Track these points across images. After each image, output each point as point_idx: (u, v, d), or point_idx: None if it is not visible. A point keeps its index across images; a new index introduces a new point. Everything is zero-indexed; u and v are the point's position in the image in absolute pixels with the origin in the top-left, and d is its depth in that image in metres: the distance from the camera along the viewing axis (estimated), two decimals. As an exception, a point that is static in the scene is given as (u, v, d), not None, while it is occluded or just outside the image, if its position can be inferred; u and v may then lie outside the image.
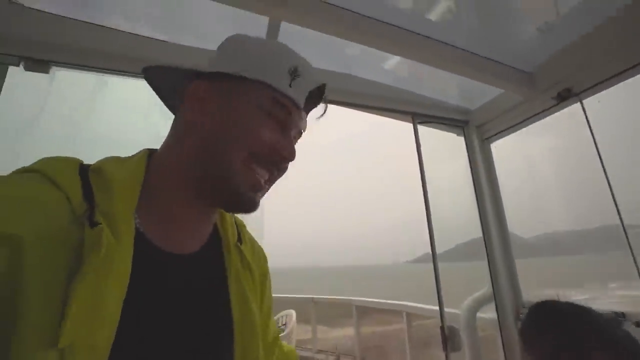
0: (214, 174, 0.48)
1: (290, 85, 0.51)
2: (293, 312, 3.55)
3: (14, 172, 0.40)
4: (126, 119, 1.22)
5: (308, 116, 0.59)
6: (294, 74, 0.51)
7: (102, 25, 1.32)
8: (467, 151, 1.89)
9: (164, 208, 0.48)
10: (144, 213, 0.45)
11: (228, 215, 0.61)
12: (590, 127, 1.35)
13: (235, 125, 0.49)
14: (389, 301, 3.71)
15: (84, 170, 0.42)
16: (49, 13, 1.28)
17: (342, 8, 1.23)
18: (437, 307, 1.63)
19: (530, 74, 1.52)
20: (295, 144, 0.55)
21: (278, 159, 0.51)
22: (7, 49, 1.14)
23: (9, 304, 0.31)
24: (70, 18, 1.30)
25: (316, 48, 1.58)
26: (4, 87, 1.13)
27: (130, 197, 0.43)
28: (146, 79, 0.56)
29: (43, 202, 0.36)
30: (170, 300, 0.45)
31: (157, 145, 0.54)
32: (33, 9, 1.27)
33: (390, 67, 1.77)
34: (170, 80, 0.55)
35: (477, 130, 1.86)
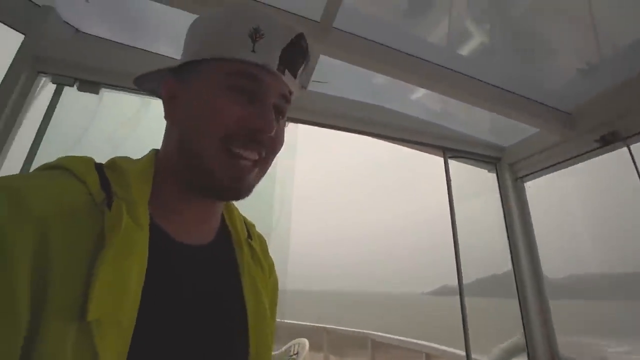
0: (193, 166, 0.47)
1: (253, 50, 0.46)
2: (306, 342, 3.45)
3: (38, 168, 0.43)
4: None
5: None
6: (255, 35, 0.46)
7: (147, 50, 1.41)
8: (499, 188, 1.83)
9: (168, 203, 0.48)
10: (154, 206, 0.45)
11: (236, 211, 0.61)
12: (638, 170, 1.28)
13: (201, 112, 0.46)
14: (408, 339, 3.53)
15: (98, 166, 0.45)
16: (102, 38, 1.38)
17: (373, 41, 1.25)
18: (460, 352, 1.53)
19: (570, 114, 1.47)
20: (283, 113, 0.51)
21: (254, 134, 0.46)
22: (65, 71, 1.24)
23: (41, 279, 0.33)
24: (120, 43, 1.41)
25: (344, 78, 1.61)
26: (58, 105, 1.22)
27: (143, 187, 0.45)
28: (140, 88, 0.57)
29: (66, 191, 0.38)
30: (185, 287, 0.45)
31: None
32: (89, 34, 1.38)
33: (419, 99, 1.78)
34: (155, 85, 0.55)
35: (510, 168, 1.80)
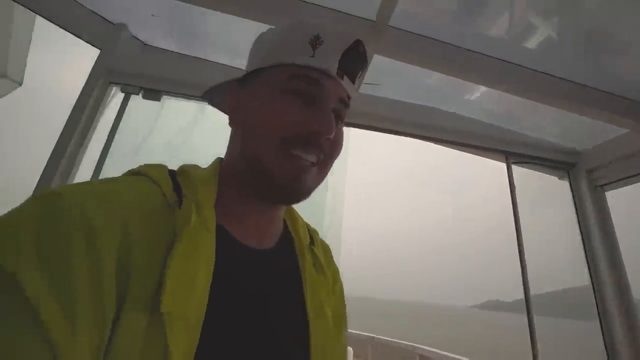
0: (254, 168, 0.49)
1: (313, 55, 0.48)
2: (350, 350, 3.37)
3: (124, 174, 0.48)
4: (222, 144, 1.31)
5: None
6: (314, 42, 0.48)
7: (207, 60, 1.47)
8: (574, 198, 1.62)
9: (232, 207, 0.50)
10: (219, 210, 0.47)
11: (300, 218, 0.61)
12: None
13: (262, 116, 0.49)
14: (458, 357, 3.30)
15: (171, 172, 0.49)
16: (165, 50, 1.47)
17: (430, 38, 1.17)
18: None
19: (669, 112, 1.26)
20: (342, 116, 0.52)
21: (312, 137, 0.47)
22: (132, 80, 1.33)
23: (124, 272, 0.35)
24: (180, 53, 1.49)
25: (395, 79, 1.54)
26: (125, 112, 1.31)
27: (209, 191, 0.48)
28: (209, 102, 0.61)
29: (144, 194, 0.42)
30: (250, 290, 0.46)
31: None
32: (152, 46, 1.47)
33: (477, 99, 1.64)
34: (222, 97, 0.58)
35: (588, 176, 1.59)
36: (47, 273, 0.30)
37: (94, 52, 1.37)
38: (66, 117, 1.23)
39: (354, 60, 0.51)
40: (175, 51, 1.49)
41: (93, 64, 1.33)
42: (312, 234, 0.63)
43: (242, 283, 0.46)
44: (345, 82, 0.51)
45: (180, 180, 0.47)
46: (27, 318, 0.29)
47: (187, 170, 0.49)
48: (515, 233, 1.55)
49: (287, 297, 0.51)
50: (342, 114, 0.52)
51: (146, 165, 0.48)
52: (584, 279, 1.58)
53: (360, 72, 0.54)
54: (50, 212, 0.33)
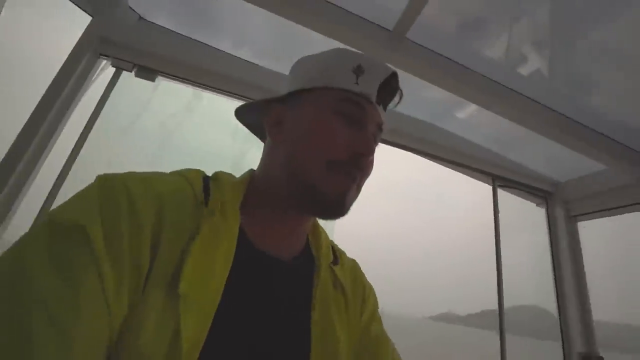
0: (299, 182, 0.51)
1: (357, 83, 0.52)
2: None
3: (169, 173, 0.52)
4: (214, 134, 1.23)
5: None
6: (357, 71, 0.53)
7: (209, 45, 1.39)
8: (549, 224, 1.71)
9: (255, 214, 0.53)
10: (244, 217, 0.51)
11: (324, 236, 0.63)
12: None
13: (311, 134, 0.52)
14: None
15: (206, 176, 0.53)
16: (165, 28, 1.37)
17: (427, 48, 1.18)
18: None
19: (646, 155, 1.36)
20: (377, 141, 0.57)
21: (357, 158, 0.51)
22: (125, 55, 1.22)
23: (155, 247, 0.39)
24: (180, 34, 1.39)
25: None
26: (114, 89, 1.20)
27: (235, 194, 0.51)
28: (238, 119, 0.64)
29: (179, 188, 0.47)
30: (261, 293, 0.48)
31: (240, 162, 0.62)
32: (152, 22, 1.37)
33: (473, 121, 1.69)
34: (254, 114, 0.61)
35: (564, 206, 1.68)
36: (104, 230, 0.37)
37: (82, 19, 1.25)
38: (41, 85, 1.11)
39: (389, 91, 0.56)
40: (174, 30, 1.39)
41: (81, 33, 1.21)
42: (338, 253, 0.64)
43: (255, 285, 0.47)
44: (380, 109, 0.56)
45: (211, 183, 0.51)
46: (92, 264, 0.35)
47: (219, 176, 0.53)
48: (494, 253, 1.60)
49: (294, 311, 0.51)
50: (377, 138, 0.57)
51: (186, 169, 0.53)
52: (551, 301, 1.67)
53: (393, 102, 0.59)
54: (106, 188, 0.41)
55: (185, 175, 0.50)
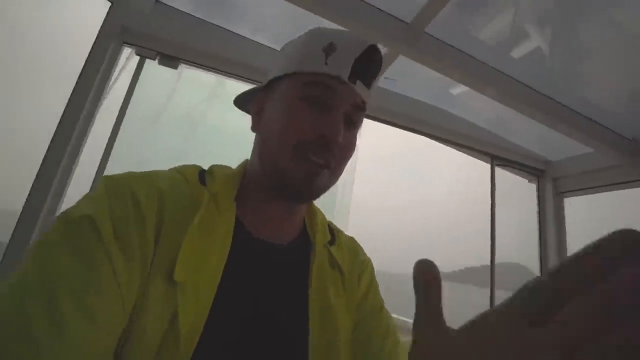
0: (270, 169, 0.52)
1: (326, 63, 0.50)
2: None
3: (168, 170, 0.54)
4: (237, 120, 1.30)
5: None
6: (328, 49, 0.50)
7: (225, 28, 1.40)
8: (538, 201, 1.87)
9: (250, 203, 0.54)
10: (239, 205, 0.53)
11: (319, 216, 0.63)
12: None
13: (279, 121, 0.52)
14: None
15: (202, 171, 0.55)
16: (186, 13, 1.37)
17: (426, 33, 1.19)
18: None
19: (632, 140, 1.49)
20: (355, 120, 0.54)
21: (323, 141, 0.50)
22: (147, 43, 1.24)
23: (157, 239, 0.43)
24: (198, 18, 1.39)
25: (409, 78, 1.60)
26: (140, 77, 1.23)
27: (229, 186, 0.53)
28: (239, 108, 0.64)
29: (177, 184, 0.49)
30: (258, 278, 0.50)
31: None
32: (173, 7, 1.36)
33: (473, 102, 1.76)
34: (248, 104, 0.62)
35: (553, 183, 1.84)
36: (113, 224, 0.41)
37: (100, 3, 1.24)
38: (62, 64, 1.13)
39: (368, 66, 0.53)
40: (190, 13, 1.39)
41: (101, 17, 1.21)
42: (335, 232, 0.65)
43: (253, 270, 0.49)
44: (359, 86, 0.52)
45: (207, 177, 0.53)
46: (105, 255, 0.38)
47: (213, 170, 0.55)
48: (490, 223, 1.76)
49: (291, 292, 0.53)
50: (355, 118, 0.54)
51: (183, 165, 0.56)
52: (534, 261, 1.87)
53: (376, 76, 0.55)
54: (112, 187, 0.44)
55: (182, 172, 0.53)
